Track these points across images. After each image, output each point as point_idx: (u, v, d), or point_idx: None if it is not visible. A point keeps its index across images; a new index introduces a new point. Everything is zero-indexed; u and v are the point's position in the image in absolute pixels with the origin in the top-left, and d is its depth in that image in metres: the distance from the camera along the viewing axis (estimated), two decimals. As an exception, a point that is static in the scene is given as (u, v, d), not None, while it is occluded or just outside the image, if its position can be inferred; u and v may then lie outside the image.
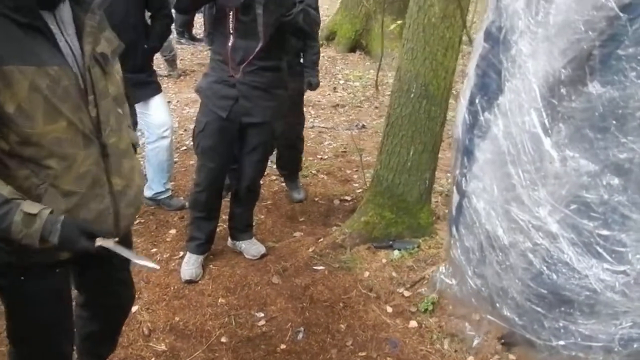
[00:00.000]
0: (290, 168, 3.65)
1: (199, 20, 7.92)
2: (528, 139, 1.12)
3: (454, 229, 1.41)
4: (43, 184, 1.26)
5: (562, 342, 1.20)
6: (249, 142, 2.63)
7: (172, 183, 3.77)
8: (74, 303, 1.66)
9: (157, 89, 3.24)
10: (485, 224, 1.25)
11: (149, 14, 3.15)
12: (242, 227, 2.91)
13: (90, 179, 1.32)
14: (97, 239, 1.29)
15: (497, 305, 1.31)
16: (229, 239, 2.97)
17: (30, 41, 1.18)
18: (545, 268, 1.16)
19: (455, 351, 2.24)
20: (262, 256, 2.87)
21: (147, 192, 3.28)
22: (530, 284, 1.21)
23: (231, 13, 2.33)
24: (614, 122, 1.01)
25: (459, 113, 1.34)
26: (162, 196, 3.40)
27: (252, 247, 2.90)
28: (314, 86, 3.45)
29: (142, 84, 3.01)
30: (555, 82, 1.06)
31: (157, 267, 1.45)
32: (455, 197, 1.39)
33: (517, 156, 1.14)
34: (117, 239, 1.34)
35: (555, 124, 1.08)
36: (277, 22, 2.37)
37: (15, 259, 1.34)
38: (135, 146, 1.55)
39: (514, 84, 1.15)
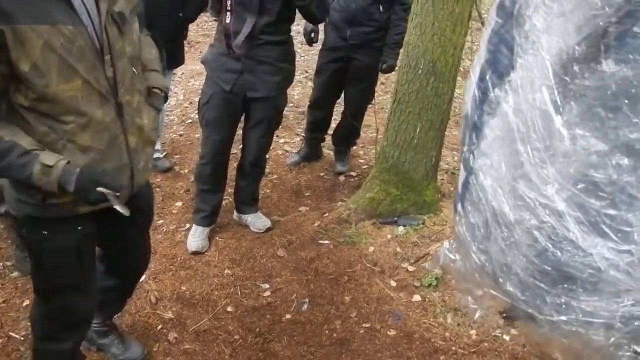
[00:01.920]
0: (346, 143, 3.66)
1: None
2: (538, 116, 1.11)
3: (459, 206, 1.42)
4: (61, 140, 1.29)
5: (563, 318, 1.22)
6: (253, 117, 2.62)
7: (178, 156, 3.80)
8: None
9: (177, 64, 3.24)
10: (492, 200, 1.27)
11: None
12: (247, 201, 2.93)
13: (108, 136, 1.35)
14: (100, 188, 1.32)
15: (501, 280, 1.33)
16: (235, 212, 2.99)
17: (43, 1, 1.18)
18: (550, 245, 1.18)
19: (458, 325, 2.28)
20: (268, 230, 2.90)
21: None
22: (535, 261, 1.23)
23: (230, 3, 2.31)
24: (626, 101, 1.01)
25: (468, 89, 1.34)
26: None
27: (257, 221, 2.92)
28: (387, 68, 3.21)
29: (168, 55, 2.97)
30: (569, 59, 1.06)
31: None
32: (462, 174, 1.39)
33: (527, 133, 1.14)
34: (117, 194, 1.36)
35: (566, 102, 1.08)
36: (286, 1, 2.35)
37: (37, 211, 1.38)
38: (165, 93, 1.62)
39: (526, 60, 1.14)
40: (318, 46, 3.59)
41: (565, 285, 1.21)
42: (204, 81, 2.64)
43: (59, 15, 1.19)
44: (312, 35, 3.25)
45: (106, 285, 1.82)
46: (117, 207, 1.36)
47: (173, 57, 3.12)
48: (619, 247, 1.11)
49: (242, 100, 2.54)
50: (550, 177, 1.13)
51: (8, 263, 2.53)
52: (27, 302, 2.28)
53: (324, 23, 3.42)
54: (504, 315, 2.07)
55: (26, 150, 1.24)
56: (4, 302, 2.31)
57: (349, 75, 3.32)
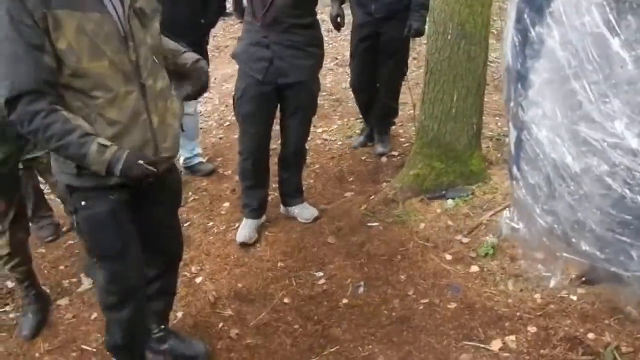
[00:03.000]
0: (384, 123, 3.62)
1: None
2: (591, 43, 0.97)
3: (514, 169, 1.28)
4: (92, 113, 1.48)
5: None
6: (289, 105, 2.62)
7: (220, 159, 3.86)
8: None
9: None
10: (551, 153, 1.14)
11: None
12: (292, 192, 2.93)
13: (132, 111, 1.52)
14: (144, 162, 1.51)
15: (574, 240, 1.21)
16: (281, 206, 3.00)
17: None
18: (627, 191, 1.05)
19: (521, 290, 2.20)
20: (316, 219, 2.88)
21: (180, 160, 3.43)
22: (611, 212, 1.09)
23: None
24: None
25: (505, 38, 1.22)
26: (193, 162, 3.55)
27: (304, 211, 2.91)
28: (414, 32, 3.07)
29: None
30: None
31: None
32: (513, 133, 1.25)
33: (580, 67, 1.00)
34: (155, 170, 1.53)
35: (622, 18, 0.94)
36: None
37: (74, 181, 1.57)
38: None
39: (566, -19, 1.00)
40: (346, 32, 3.54)
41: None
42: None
43: (89, 4, 1.40)
44: (339, 19, 3.19)
45: (146, 277, 1.89)
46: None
47: None
48: None
49: (276, 90, 2.54)
50: (616, 112, 1.00)
51: (74, 280, 2.65)
52: (95, 314, 2.37)
53: (349, 5, 3.39)
54: (583, 279, 1.94)
55: (87, 132, 1.44)
56: (73, 317, 2.41)
57: (380, 51, 3.27)
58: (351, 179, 3.36)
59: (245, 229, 2.78)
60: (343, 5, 3.19)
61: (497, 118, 3.84)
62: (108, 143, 1.46)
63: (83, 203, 1.60)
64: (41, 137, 1.42)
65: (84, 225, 1.64)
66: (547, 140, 1.14)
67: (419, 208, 2.81)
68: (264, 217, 2.89)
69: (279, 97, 2.60)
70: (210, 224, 3.03)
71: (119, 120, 1.51)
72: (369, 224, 2.77)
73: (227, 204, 3.23)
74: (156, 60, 1.59)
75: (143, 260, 1.78)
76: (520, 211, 1.38)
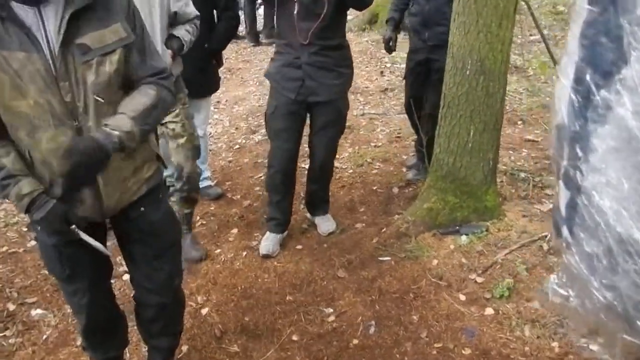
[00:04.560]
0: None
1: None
2: None
3: (565, 231, 1.19)
4: (26, 151, 1.47)
5: None
6: (318, 122, 2.74)
7: (229, 182, 3.82)
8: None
9: (210, 91, 3.29)
10: (615, 225, 1.07)
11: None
12: (317, 204, 3.07)
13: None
14: (73, 226, 1.51)
15: (638, 323, 1.12)
16: (308, 214, 3.16)
17: (6, 30, 1.35)
18: None
19: (538, 337, 2.12)
20: (330, 234, 3.00)
21: None
22: None
23: None
24: None
25: (559, 95, 1.14)
26: (201, 185, 3.45)
27: (324, 223, 3.05)
28: None
29: (197, 84, 3.02)
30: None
31: (108, 253, 1.63)
32: (565, 194, 1.17)
33: None
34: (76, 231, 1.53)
35: None
36: None
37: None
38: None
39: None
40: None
41: None
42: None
43: (16, 43, 1.35)
44: (390, 43, 3.41)
45: (147, 315, 1.90)
46: (90, 243, 1.53)
47: (202, 87, 3.17)
48: None
49: (306, 107, 2.68)
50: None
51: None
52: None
53: (407, 30, 3.49)
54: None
55: (10, 174, 1.45)
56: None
57: (430, 78, 3.30)
58: (362, 209, 3.31)
59: (268, 241, 2.87)
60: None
61: (511, 152, 3.80)
62: (28, 190, 1.45)
63: (35, 229, 1.62)
64: None
65: (39, 249, 1.70)
66: (611, 211, 1.07)
67: (431, 243, 2.75)
68: (286, 232, 2.98)
69: (308, 114, 2.74)
70: (218, 251, 2.97)
71: (48, 162, 1.46)
72: (380, 258, 2.71)
73: (235, 230, 3.18)
74: (102, 100, 1.46)
75: (104, 288, 1.82)
76: (571, 279, 1.26)
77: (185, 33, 2.55)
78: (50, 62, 1.38)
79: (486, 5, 2.48)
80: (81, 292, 1.71)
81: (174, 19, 2.55)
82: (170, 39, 2.54)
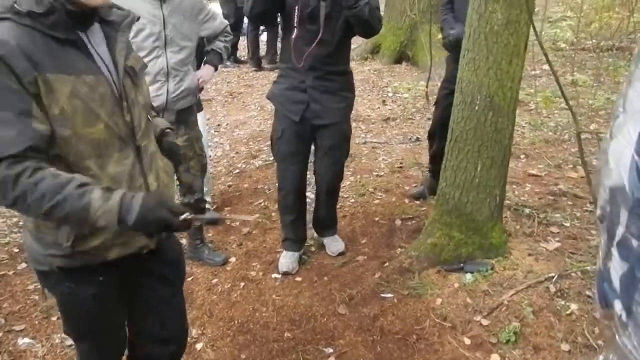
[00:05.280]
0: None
1: (242, 42, 8.01)
2: None
3: (619, 306, 1.05)
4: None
5: None
6: (322, 145, 2.77)
7: (228, 208, 3.75)
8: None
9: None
10: None
11: None
12: (325, 225, 3.10)
13: (127, 177, 1.40)
14: (184, 215, 1.32)
15: None
16: (315, 234, 3.18)
17: (68, 54, 1.29)
18: None
19: (547, 388, 2.04)
20: (340, 254, 3.02)
21: None
22: None
23: (296, 17, 2.49)
24: None
25: (616, 154, 1.02)
26: None
27: (332, 244, 3.07)
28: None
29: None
30: None
31: (252, 217, 1.50)
32: (621, 264, 1.04)
33: None
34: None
35: None
36: (342, 17, 2.49)
37: (64, 262, 1.39)
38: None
39: None
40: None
41: None
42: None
43: (81, 66, 1.30)
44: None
45: None
46: (208, 217, 1.38)
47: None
48: None
49: (310, 130, 2.71)
50: None
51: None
52: None
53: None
54: None
55: (84, 182, 1.26)
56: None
57: None
58: (364, 240, 3.24)
59: (287, 259, 2.91)
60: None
61: (515, 186, 3.75)
62: (114, 187, 1.29)
63: (67, 285, 1.44)
64: (30, 200, 1.20)
65: (65, 308, 1.51)
66: None
67: (435, 280, 2.67)
68: (302, 250, 3.03)
69: (314, 137, 2.77)
70: (215, 280, 2.89)
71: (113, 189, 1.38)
72: (382, 295, 2.63)
73: (233, 259, 3.09)
74: (150, 118, 1.53)
75: (124, 344, 1.65)
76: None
77: (221, 45, 2.83)
78: (113, 84, 1.38)
79: (496, 43, 2.46)
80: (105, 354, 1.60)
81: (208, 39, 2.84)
82: (209, 54, 2.84)
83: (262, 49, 7.77)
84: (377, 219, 3.47)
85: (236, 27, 7.23)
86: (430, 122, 5.23)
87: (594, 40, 6.79)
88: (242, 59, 7.97)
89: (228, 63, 7.66)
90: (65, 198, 1.21)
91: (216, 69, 2.87)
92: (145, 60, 2.64)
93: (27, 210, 1.25)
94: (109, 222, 1.25)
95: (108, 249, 1.41)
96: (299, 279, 2.85)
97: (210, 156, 4.77)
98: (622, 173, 0.96)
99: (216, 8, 9.31)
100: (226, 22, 2.92)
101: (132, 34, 2.57)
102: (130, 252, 1.45)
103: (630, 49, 7.03)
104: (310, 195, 3.33)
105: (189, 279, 2.89)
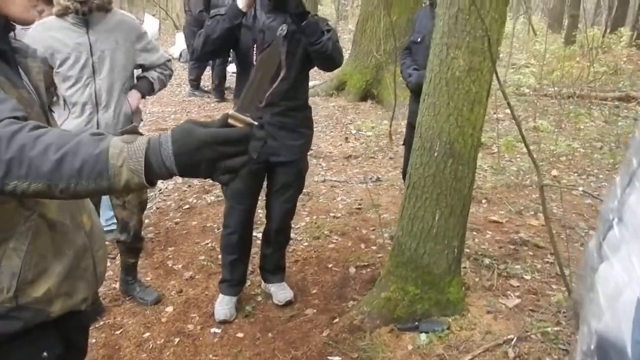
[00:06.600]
0: None
1: (206, 72, 7.83)
2: None
3: None
4: (32, 214, 1.15)
5: None
6: (277, 182, 2.67)
7: (172, 248, 3.47)
8: None
9: None
10: None
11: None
12: (272, 270, 2.90)
13: (69, 209, 1.25)
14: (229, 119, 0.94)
15: None
16: (262, 282, 2.97)
17: (8, 68, 1.17)
18: None
19: None
20: (289, 302, 2.82)
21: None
22: None
23: (254, 55, 2.40)
24: None
25: (610, 289, 0.78)
26: (110, 228, 3.33)
27: (279, 293, 2.86)
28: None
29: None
30: None
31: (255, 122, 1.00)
32: None
33: None
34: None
35: None
36: (301, 50, 2.43)
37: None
38: None
39: None
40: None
41: None
42: None
43: (16, 80, 1.17)
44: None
45: None
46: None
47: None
48: None
49: (264, 167, 2.61)
50: None
51: None
52: None
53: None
54: None
55: (95, 132, 0.95)
56: None
57: None
58: (315, 290, 3.01)
59: (222, 305, 2.72)
60: None
61: (475, 233, 3.61)
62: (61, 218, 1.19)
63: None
64: (31, 155, 0.89)
65: None
66: None
67: (387, 341, 2.45)
68: (240, 294, 2.84)
69: (267, 174, 2.67)
70: (147, 334, 2.59)
71: (60, 221, 1.21)
72: (329, 357, 2.39)
73: (170, 309, 2.81)
74: None
75: None
76: None
77: (155, 75, 2.66)
78: (41, 108, 1.28)
79: (458, 89, 2.33)
80: None
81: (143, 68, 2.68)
82: (140, 80, 2.66)
83: (228, 81, 7.54)
84: (330, 265, 3.26)
85: (201, 59, 7.05)
86: (392, 162, 5.16)
87: (555, 88, 6.90)
88: (206, 88, 7.78)
89: (196, 92, 7.52)
90: (78, 145, 0.90)
91: (144, 97, 2.69)
92: (73, 89, 2.45)
93: (26, 175, 0.90)
94: (136, 171, 0.89)
95: (52, 300, 1.20)
96: (240, 334, 2.58)
97: (160, 189, 4.50)
98: (620, 324, 0.71)
99: (180, 39, 9.20)
100: (167, 56, 2.77)
101: (56, 64, 2.38)
102: (73, 304, 1.25)
103: (589, 97, 7.17)
104: (258, 234, 3.11)
105: (118, 332, 2.59)
